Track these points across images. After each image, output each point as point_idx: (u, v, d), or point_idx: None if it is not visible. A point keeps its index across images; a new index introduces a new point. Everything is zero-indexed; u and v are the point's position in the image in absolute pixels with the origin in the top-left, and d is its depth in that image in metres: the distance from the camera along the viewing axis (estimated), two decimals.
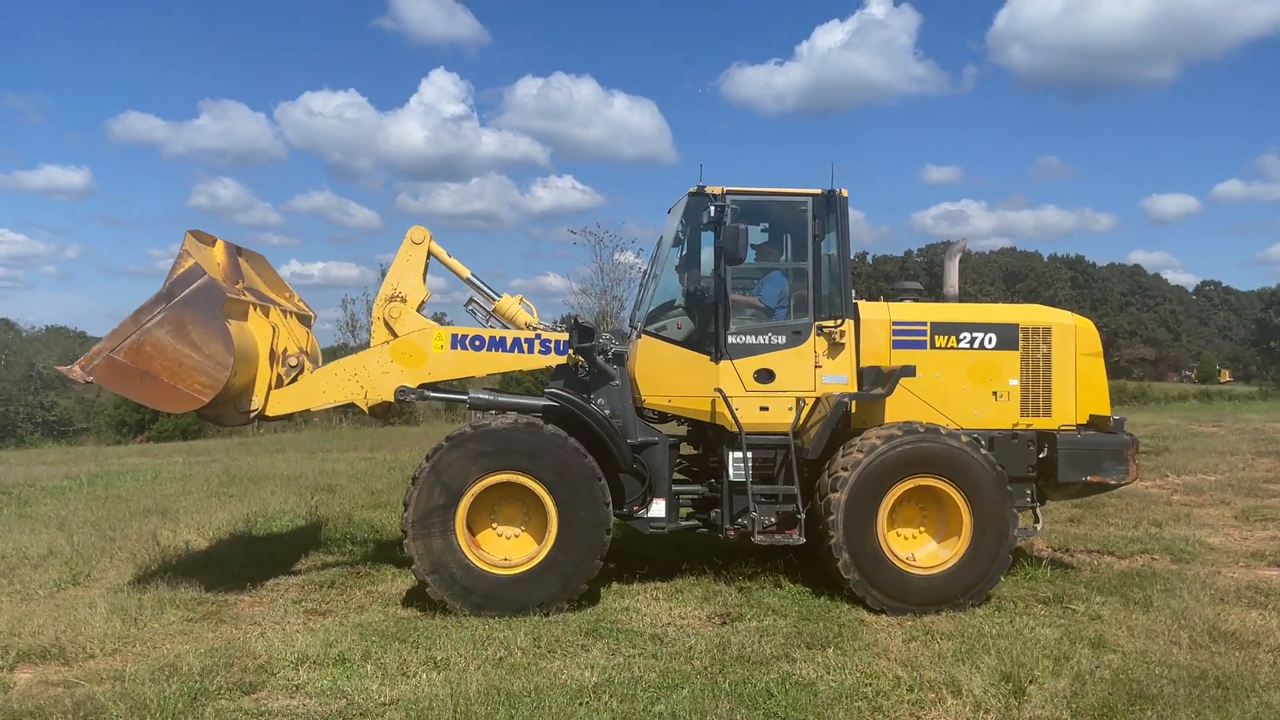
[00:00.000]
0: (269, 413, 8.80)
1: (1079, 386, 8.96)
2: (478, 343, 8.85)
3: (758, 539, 8.35)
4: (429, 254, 9.14)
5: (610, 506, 8.10)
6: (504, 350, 8.86)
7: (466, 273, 9.36)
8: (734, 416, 8.41)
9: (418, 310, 8.94)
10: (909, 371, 8.52)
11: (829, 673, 6.57)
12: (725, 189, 8.65)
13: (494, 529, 8.31)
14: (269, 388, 8.73)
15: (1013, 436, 8.80)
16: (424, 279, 9.12)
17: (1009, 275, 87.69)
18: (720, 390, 8.50)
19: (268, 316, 8.99)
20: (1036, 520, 9.04)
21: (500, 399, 8.90)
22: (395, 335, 8.80)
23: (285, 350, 9.07)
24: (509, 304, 9.26)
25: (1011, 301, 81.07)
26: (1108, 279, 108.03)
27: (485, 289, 9.35)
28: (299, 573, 9.56)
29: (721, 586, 8.73)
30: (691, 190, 8.73)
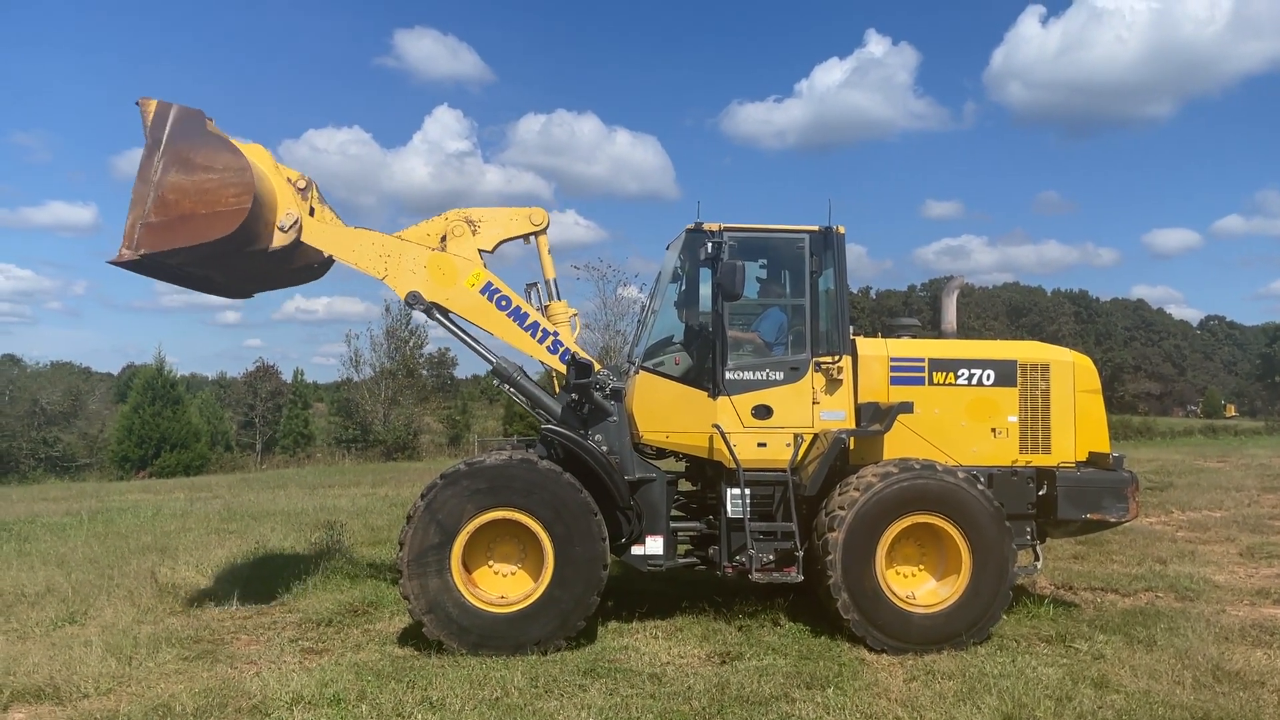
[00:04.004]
0: (305, 238, 8.75)
1: (1078, 423, 8.92)
2: (504, 303, 8.90)
3: (755, 576, 8.28)
4: (530, 238, 9.24)
5: (607, 542, 8.05)
6: (520, 325, 8.92)
7: (552, 274, 9.37)
8: (731, 453, 8.39)
9: (476, 250, 9.01)
10: (906, 408, 8.50)
11: (829, 714, 6.49)
12: (723, 225, 8.68)
13: (490, 567, 8.25)
14: (293, 205, 8.69)
15: (1012, 474, 8.75)
16: (501, 242, 9.20)
17: (1012, 310, 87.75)
18: (718, 426, 8.48)
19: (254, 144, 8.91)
20: (1037, 558, 8.97)
21: (523, 382, 8.91)
22: (443, 248, 8.88)
23: (289, 178, 8.95)
24: (561, 309, 9.25)
25: (1016, 336, 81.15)
26: (1111, 314, 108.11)
27: (555, 289, 9.37)
28: (296, 611, 9.50)
29: (721, 625, 8.66)
30: (689, 227, 8.77)
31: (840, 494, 8.17)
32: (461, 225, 8.99)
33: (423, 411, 57.61)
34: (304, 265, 9.46)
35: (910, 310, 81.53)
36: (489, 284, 8.91)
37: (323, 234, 8.91)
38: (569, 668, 7.45)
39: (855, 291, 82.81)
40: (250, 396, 69.67)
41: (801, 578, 8.28)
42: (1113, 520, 8.78)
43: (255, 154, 8.65)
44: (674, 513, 9.08)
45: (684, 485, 9.49)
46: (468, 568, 8.07)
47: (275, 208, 8.58)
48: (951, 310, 9.97)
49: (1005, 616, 9.01)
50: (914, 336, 9.52)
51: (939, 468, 8.20)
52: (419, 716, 6.42)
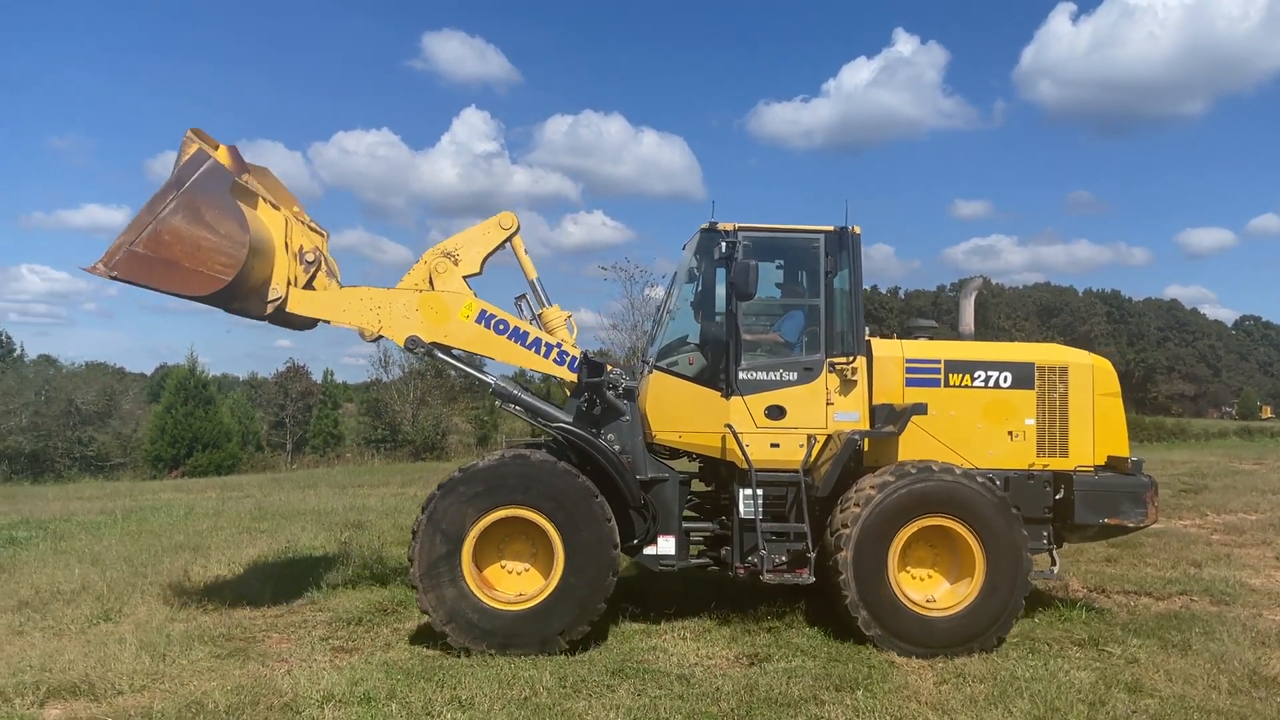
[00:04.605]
0: (290, 308, 8.84)
1: (1097, 427, 8.82)
2: (501, 327, 8.91)
3: (766, 577, 8.26)
4: (505, 244, 9.25)
5: (613, 522, 8.04)
6: (521, 344, 8.93)
7: (534, 274, 9.40)
8: (744, 453, 8.38)
9: (464, 279, 9.03)
10: (920, 409, 8.46)
11: (858, 716, 6.47)
12: (737, 225, 8.67)
13: (503, 566, 8.28)
14: (289, 281, 8.78)
15: (1029, 477, 8.67)
16: (485, 260, 9.22)
17: (1043, 310, 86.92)
18: (730, 426, 8.47)
19: (279, 212, 9.00)
20: (1054, 562, 8.90)
21: (523, 397, 8.90)
22: (431, 288, 8.91)
23: (301, 247, 9.06)
24: (555, 314, 9.28)
25: (1047, 337, 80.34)
26: (1144, 314, 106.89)
27: (542, 294, 9.40)
28: (327, 609, 9.57)
29: (749, 626, 8.64)
30: (704, 226, 8.76)
31: (842, 510, 8.13)
32: (443, 261, 9.00)
33: (451, 412, 57.83)
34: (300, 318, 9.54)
35: (939, 311, 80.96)
36: (483, 312, 8.94)
37: (310, 303, 8.96)
38: (597, 668, 7.46)
39: (884, 292, 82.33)
40: (281, 397, 70.23)
41: (813, 579, 8.25)
42: (1131, 525, 8.68)
43: (272, 223, 8.75)
44: (687, 513, 9.07)
45: (698, 486, 9.48)
46: (480, 570, 8.10)
47: (266, 282, 8.65)
48: (969, 312, 9.89)
49: (1036, 619, 8.95)
50: (931, 338, 9.45)
51: (953, 470, 8.15)
52: (448, 715, 6.46)
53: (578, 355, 8.84)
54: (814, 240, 8.81)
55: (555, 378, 9.21)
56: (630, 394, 8.91)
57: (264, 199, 8.86)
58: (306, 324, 9.62)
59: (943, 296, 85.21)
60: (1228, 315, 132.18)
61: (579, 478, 8.03)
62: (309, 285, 9.04)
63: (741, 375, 8.54)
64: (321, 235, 10.13)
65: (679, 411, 8.73)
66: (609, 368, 8.91)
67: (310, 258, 9.06)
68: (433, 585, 7.89)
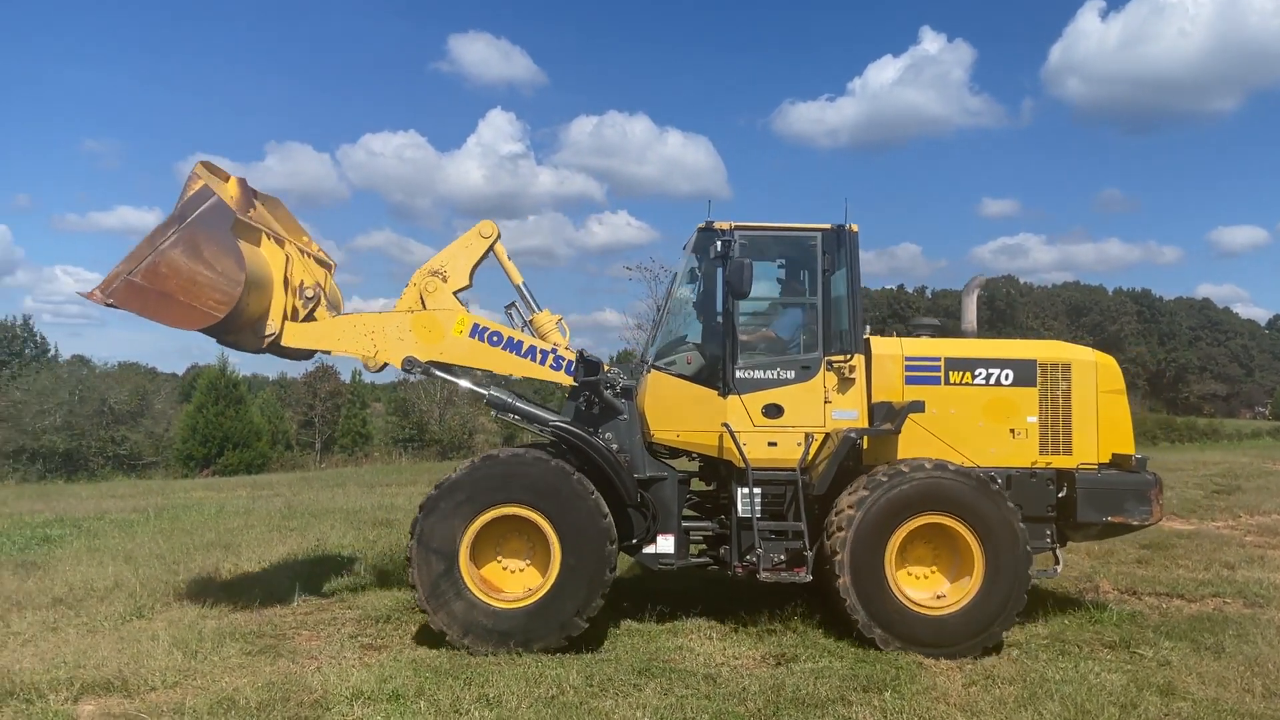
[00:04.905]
0: (285, 342, 8.94)
1: (1101, 424, 8.75)
2: (495, 339, 8.96)
3: (763, 576, 8.26)
4: (489, 252, 9.30)
5: (598, 495, 8.08)
6: (517, 354, 8.97)
7: (519, 279, 9.47)
8: (740, 452, 8.38)
9: (454, 295, 9.10)
10: (917, 407, 8.43)
11: (886, 718, 6.45)
12: (734, 224, 8.67)
13: (504, 567, 8.34)
14: (285, 316, 8.87)
15: (1031, 475, 8.61)
16: (473, 271, 9.28)
17: (1072, 309, 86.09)
18: (727, 425, 8.47)
19: (281, 247, 9.09)
20: (1057, 561, 8.84)
21: (518, 404, 8.94)
22: (424, 308, 8.97)
23: (301, 282, 9.16)
24: (545, 319, 9.33)
25: (1076, 336, 79.61)
26: (1175, 313, 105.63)
27: (530, 299, 9.45)
28: (356, 607, 9.64)
29: (775, 626, 8.62)
30: (700, 225, 8.77)
31: (850, 493, 8.12)
32: (432, 280, 9.06)
33: (477, 411, 58.07)
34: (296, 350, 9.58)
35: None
36: (476, 325, 8.99)
37: (304, 335, 9.05)
38: (624, 667, 7.47)
39: (911, 291, 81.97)
40: (310, 396, 70.73)
41: (810, 578, 8.25)
42: (1135, 523, 8.61)
43: (273, 259, 8.84)
44: (687, 512, 9.09)
45: (698, 485, 9.50)
46: (482, 574, 8.20)
47: (261, 317, 8.74)
48: (972, 310, 9.83)
49: (1067, 621, 8.89)
50: (933, 336, 9.40)
51: (950, 467, 8.11)
52: (476, 713, 6.49)
53: (573, 358, 8.87)
54: (811, 239, 8.81)
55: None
56: (628, 393, 8.94)
57: (268, 233, 8.94)
58: (303, 355, 9.75)
59: None
60: (1261, 314, 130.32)
61: (552, 462, 8.09)
62: (309, 318, 9.13)
63: (739, 374, 8.55)
64: (327, 266, 10.25)
65: (676, 410, 8.75)
66: (606, 367, 8.95)
67: (310, 293, 9.15)
68: (440, 604, 7.95)
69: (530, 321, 9.34)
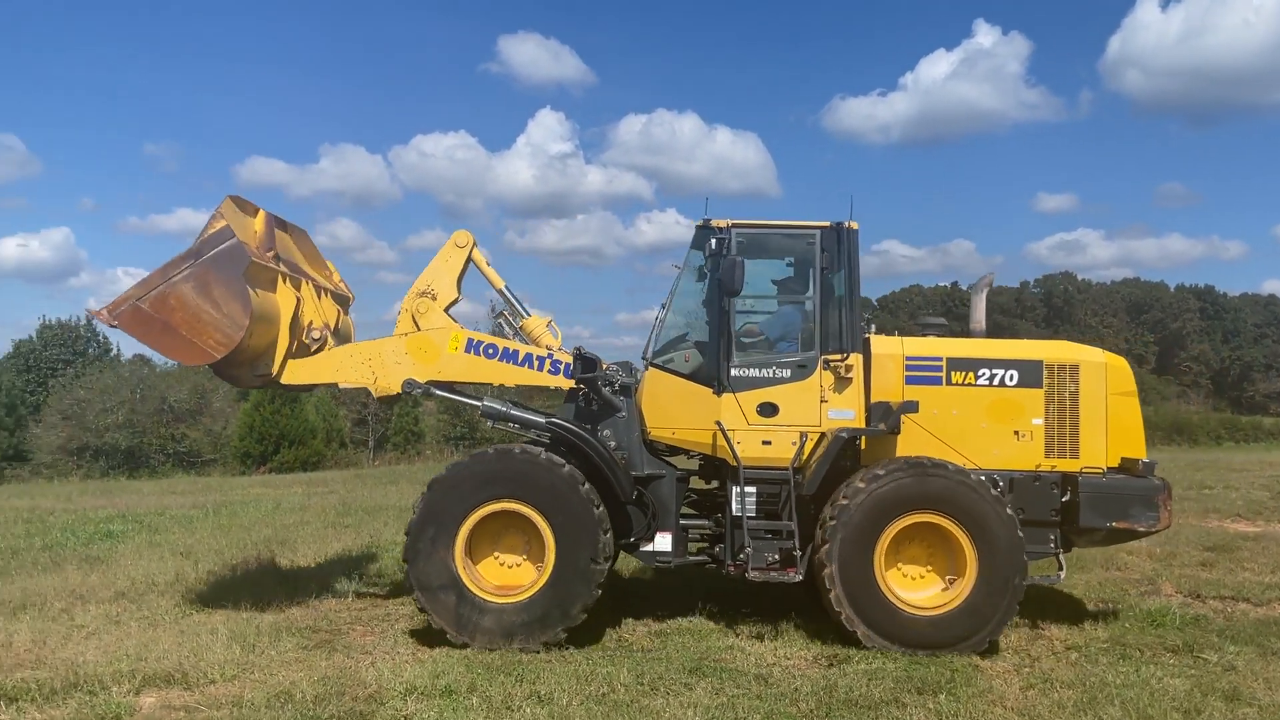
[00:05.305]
0: (284, 380, 9.06)
1: (1110, 428, 8.54)
2: (491, 351, 9.03)
3: (752, 575, 8.23)
4: (469, 260, 9.35)
5: (590, 488, 8.10)
6: (514, 363, 9.04)
7: (501, 284, 9.53)
8: (732, 450, 8.34)
9: (446, 311, 9.16)
10: (911, 408, 8.33)
11: None
12: (732, 222, 8.63)
13: (497, 560, 8.42)
14: (286, 355, 8.96)
15: (1035, 478, 8.43)
16: (459, 282, 9.33)
17: (1132, 307, 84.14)
18: (719, 423, 8.43)
19: (296, 289, 9.20)
20: (1060, 567, 8.65)
21: (512, 412, 8.96)
22: (419, 330, 9.03)
23: (310, 323, 9.26)
24: (536, 323, 9.39)
25: (1137, 334, 78.03)
26: (1240, 309, 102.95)
27: (517, 304, 9.50)
28: (409, 603, 9.70)
29: (827, 627, 8.52)
30: (698, 223, 8.74)
31: (831, 505, 8.06)
32: (422, 302, 9.11)
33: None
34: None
35: (1022, 308, 79.23)
36: (470, 340, 9.06)
37: (301, 372, 9.15)
38: (674, 666, 7.46)
39: (965, 289, 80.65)
40: (363, 395, 71.66)
41: (800, 577, 8.20)
42: (1141, 530, 8.38)
43: (284, 302, 8.92)
44: (687, 510, 9.08)
45: (698, 483, 9.47)
46: (480, 571, 8.30)
47: (261, 356, 8.85)
48: (981, 308, 9.64)
49: (1127, 625, 8.71)
50: (941, 336, 9.24)
51: (945, 467, 8.00)
52: (527, 710, 6.51)
53: (569, 360, 8.87)
54: (810, 237, 8.73)
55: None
56: (627, 390, 8.94)
57: (284, 274, 9.01)
58: (305, 388, 9.87)
59: (1026, 293, 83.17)
60: None
61: (526, 451, 8.17)
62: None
63: (734, 372, 8.51)
64: (346, 300, 10.38)
65: (673, 408, 8.74)
66: (604, 365, 8.96)
67: (316, 334, 9.27)
68: (472, 631, 8.02)
69: (520, 329, 9.40)
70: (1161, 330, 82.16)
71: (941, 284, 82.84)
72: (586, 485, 8.10)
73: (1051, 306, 79.50)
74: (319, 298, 9.65)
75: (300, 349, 9.18)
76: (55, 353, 62.75)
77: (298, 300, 9.10)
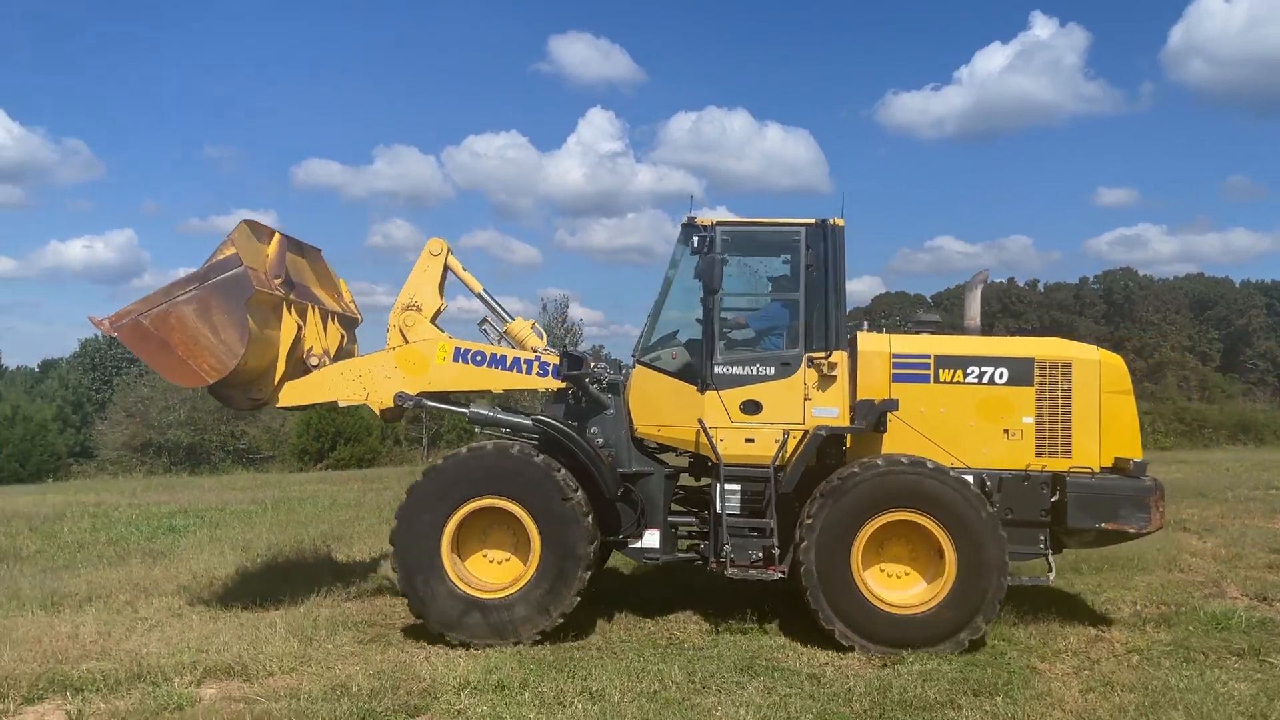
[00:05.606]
0: (280, 403, 9.21)
1: (1104, 427, 8.35)
2: (479, 358, 9.06)
3: (730, 572, 8.20)
4: (445, 267, 9.41)
5: (566, 474, 8.13)
6: (503, 368, 9.06)
7: (479, 288, 9.56)
8: (713, 447, 8.32)
9: (432, 320, 9.23)
10: (891, 405, 8.24)
11: None
12: (716, 219, 8.61)
13: (485, 557, 8.46)
14: (281, 380, 9.07)
15: (1024, 478, 8.27)
16: (440, 290, 9.40)
17: (1196, 303, 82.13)
18: (701, 421, 8.40)
19: (301, 315, 9.29)
20: (1050, 568, 8.46)
21: (499, 416, 8.99)
22: (408, 343, 9.11)
23: (310, 349, 9.35)
24: (520, 326, 9.41)
25: (1200, 332, 76.11)
26: None
27: (498, 309, 9.54)
28: None
29: None
30: (683, 221, 8.72)
31: (810, 503, 8.01)
32: (409, 315, 9.15)
33: None
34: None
35: (1081, 304, 77.65)
36: (458, 350, 9.07)
37: (296, 393, 9.23)
38: (726, 664, 7.44)
39: (1023, 285, 79.28)
40: None
41: (778, 575, 8.16)
42: (1131, 531, 8.18)
43: (285, 330, 9.00)
44: (676, 508, 9.05)
45: (690, 481, 9.44)
46: (468, 568, 8.35)
47: (255, 381, 8.95)
48: (975, 305, 9.45)
49: (1190, 628, 8.51)
50: (934, 333, 9.08)
51: (925, 464, 7.90)
52: (579, 706, 6.53)
53: (556, 360, 8.87)
54: (795, 234, 8.66)
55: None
56: (614, 388, 8.94)
57: (289, 301, 9.09)
58: (300, 408, 9.96)
59: (1085, 289, 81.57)
60: None
61: (494, 447, 8.24)
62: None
63: (717, 370, 8.47)
64: (353, 321, 10.46)
65: (659, 406, 8.72)
66: (590, 363, 8.98)
67: (314, 361, 9.33)
68: (464, 626, 8.09)
69: (505, 333, 9.43)
70: (1226, 327, 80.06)
71: (999, 281, 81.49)
72: (561, 471, 8.15)
73: (1111, 303, 77.80)
74: (325, 321, 9.77)
75: (298, 371, 9.31)
76: (120, 352, 64.29)
77: (298, 328, 9.20)
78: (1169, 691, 6.75)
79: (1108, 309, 77.12)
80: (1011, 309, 72.74)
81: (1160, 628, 8.60)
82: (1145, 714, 6.36)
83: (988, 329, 9.37)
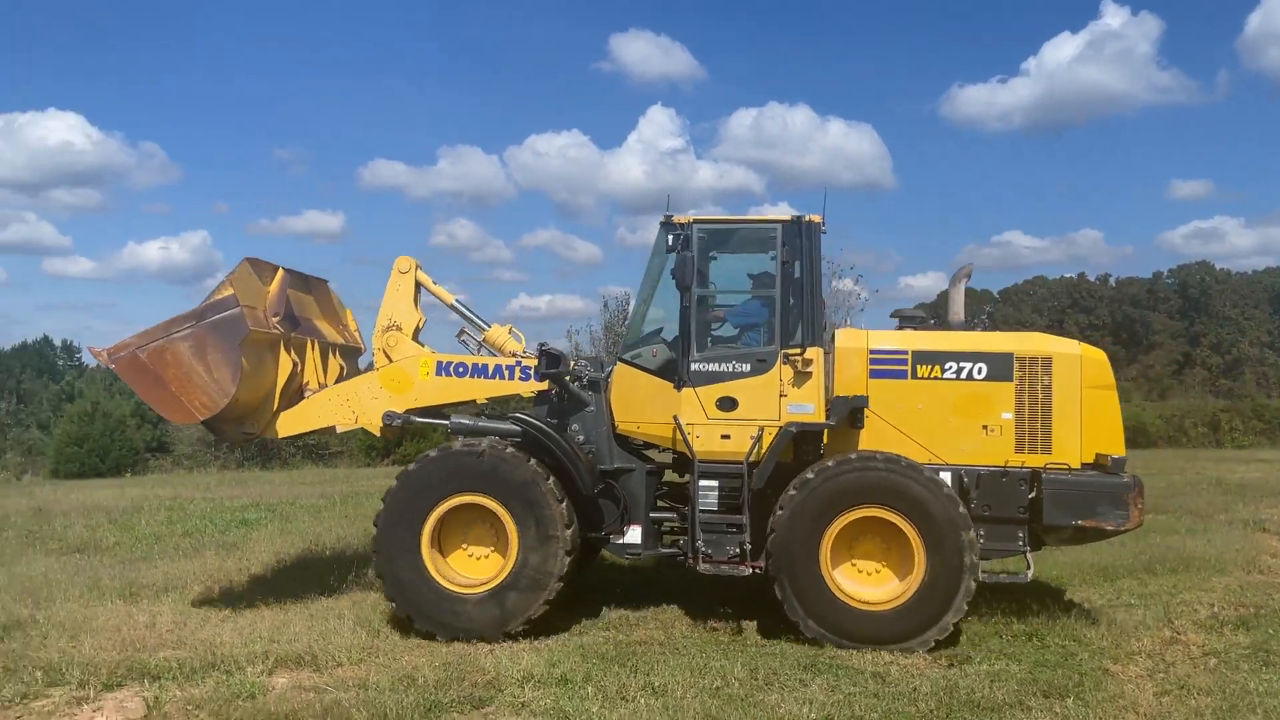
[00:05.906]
0: (279, 434, 9.42)
1: (1085, 422, 8.16)
2: (461, 369, 9.14)
3: (702, 568, 8.24)
4: (416, 283, 9.47)
5: (537, 467, 8.18)
6: (486, 377, 9.15)
7: (451, 299, 9.63)
8: (688, 444, 8.31)
9: (414, 336, 9.31)
10: (860, 402, 8.20)
11: None
12: (693, 217, 8.62)
13: (466, 552, 8.54)
14: (275, 415, 9.20)
15: (1002, 475, 8.11)
16: (416, 305, 9.48)
17: (1276, 297, 79.48)
18: (676, 417, 8.39)
19: (300, 351, 9.41)
20: (1028, 566, 8.26)
21: (480, 424, 9.00)
22: (391, 362, 9.22)
23: (305, 383, 9.49)
24: (498, 333, 9.43)
25: (1278, 327, 73.62)
26: None
27: (474, 318, 9.58)
28: None
29: None
30: (661, 220, 8.72)
31: (782, 496, 7.95)
32: (391, 335, 9.25)
33: None
34: None
35: (1155, 299, 75.63)
36: (440, 363, 9.16)
37: (290, 423, 9.34)
38: (789, 661, 7.41)
39: (1094, 280, 77.42)
40: None
41: (749, 571, 8.16)
42: (1109, 528, 8.00)
43: (281, 368, 9.11)
44: (660, 504, 9.05)
45: (675, 478, 9.38)
46: (450, 564, 8.45)
47: (248, 416, 9.07)
48: (959, 300, 9.24)
49: (1271, 630, 8.26)
50: (920, 328, 8.89)
51: (880, 457, 7.85)
52: (642, 701, 6.55)
53: (535, 363, 8.85)
54: (771, 230, 8.64)
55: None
56: (595, 385, 8.94)
57: (285, 339, 9.18)
58: (296, 437, 10.14)
59: (1159, 284, 79.38)
60: None
61: (459, 445, 8.30)
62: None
63: (694, 366, 8.46)
64: (355, 352, 10.56)
65: (638, 402, 8.75)
66: (570, 361, 8.99)
67: (311, 392, 9.44)
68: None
69: (484, 341, 9.46)
70: None
71: (1068, 275, 79.70)
72: (532, 463, 8.21)
73: (1187, 298, 75.61)
74: (326, 355, 9.89)
75: (295, 404, 9.42)
76: None
77: (294, 365, 9.31)
78: (1247, 696, 6.57)
79: (1183, 303, 74.96)
80: (1081, 304, 71.09)
81: (1238, 630, 8.37)
82: (1222, 718, 6.20)
83: (990, 326, 9.21)
